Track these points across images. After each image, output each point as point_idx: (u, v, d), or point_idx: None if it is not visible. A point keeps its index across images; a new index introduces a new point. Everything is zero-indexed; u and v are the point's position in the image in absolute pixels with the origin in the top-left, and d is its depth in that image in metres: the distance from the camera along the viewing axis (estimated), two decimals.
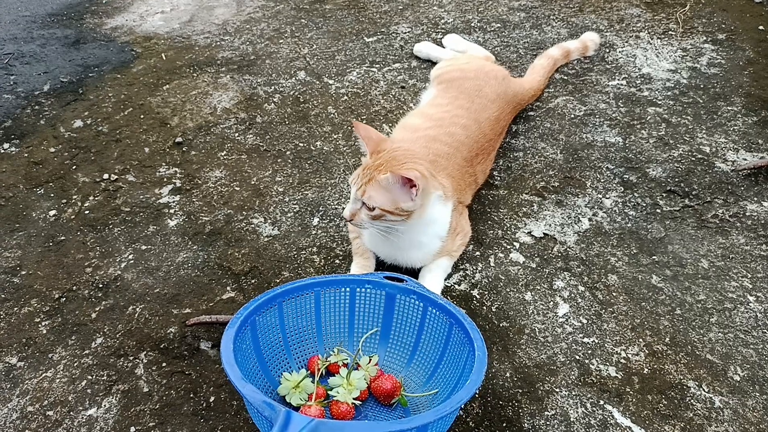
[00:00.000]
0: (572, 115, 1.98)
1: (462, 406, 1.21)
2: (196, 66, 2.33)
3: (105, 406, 1.23)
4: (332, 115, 2.04)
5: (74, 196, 1.75)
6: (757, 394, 1.22)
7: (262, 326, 1.17)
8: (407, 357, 1.26)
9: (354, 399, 1.13)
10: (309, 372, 1.20)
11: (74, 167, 1.86)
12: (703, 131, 1.88)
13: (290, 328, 1.23)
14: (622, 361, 1.29)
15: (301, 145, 1.92)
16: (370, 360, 1.22)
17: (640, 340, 1.33)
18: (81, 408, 1.23)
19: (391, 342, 1.28)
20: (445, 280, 1.47)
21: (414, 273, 1.45)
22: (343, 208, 1.64)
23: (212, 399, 1.24)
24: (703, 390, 1.23)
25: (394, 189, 1.26)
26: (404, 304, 1.26)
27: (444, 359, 1.20)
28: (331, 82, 2.20)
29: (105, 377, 1.28)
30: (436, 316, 1.22)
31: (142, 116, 2.07)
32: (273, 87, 2.19)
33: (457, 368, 1.15)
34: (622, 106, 2.00)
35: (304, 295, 1.24)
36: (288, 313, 1.22)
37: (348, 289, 1.27)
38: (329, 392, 1.15)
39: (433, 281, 1.42)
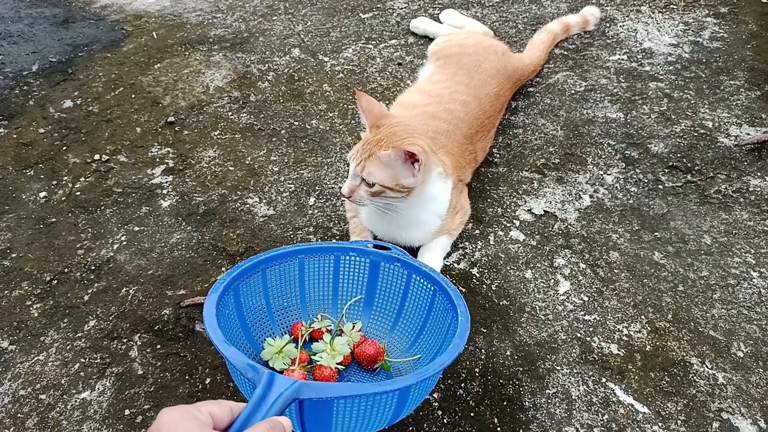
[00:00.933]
0: (572, 91, 1.94)
1: (464, 383, 1.20)
2: (187, 44, 2.27)
3: (99, 389, 1.21)
4: (328, 93, 2.00)
5: (65, 178, 1.72)
6: (761, 370, 1.20)
7: (245, 292, 1.16)
8: (391, 323, 1.26)
9: (337, 364, 1.13)
10: (292, 338, 1.20)
11: (64, 148, 1.82)
12: (706, 106, 1.85)
13: (274, 294, 1.22)
14: (624, 338, 1.27)
15: (296, 123, 1.88)
16: (354, 326, 1.22)
17: (642, 317, 1.31)
18: (74, 391, 1.20)
19: (375, 309, 1.28)
20: (445, 258, 1.45)
21: (413, 252, 1.43)
22: (341, 186, 1.61)
23: (208, 381, 1.22)
24: (706, 367, 1.22)
25: (396, 165, 1.23)
26: (388, 271, 1.25)
27: (427, 326, 1.20)
28: (326, 59, 2.15)
29: (98, 360, 1.26)
30: (420, 283, 1.21)
31: (133, 96, 2.03)
32: (267, 65, 2.14)
33: (440, 334, 1.14)
34: (623, 81, 1.96)
35: (288, 262, 1.22)
36: (271, 279, 1.21)
37: (332, 256, 1.26)
38: (312, 357, 1.16)
39: (432, 260, 1.39)
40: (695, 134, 1.75)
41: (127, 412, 1.17)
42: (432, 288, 1.18)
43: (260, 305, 1.20)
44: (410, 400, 0.96)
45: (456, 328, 1.04)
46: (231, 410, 0.70)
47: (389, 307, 1.26)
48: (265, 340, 1.18)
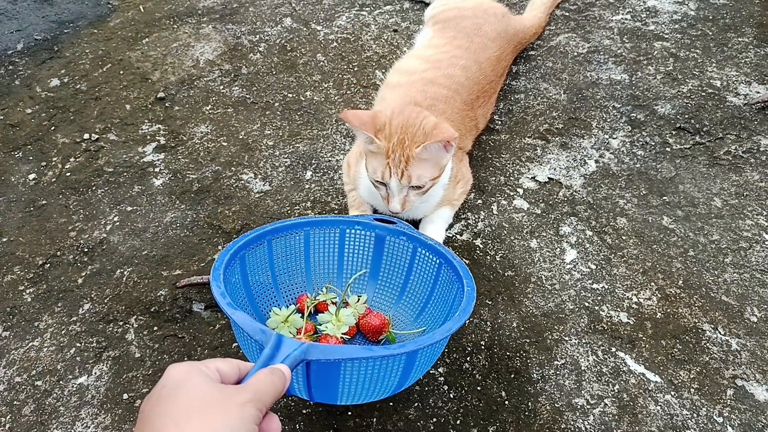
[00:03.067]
0: (575, 53, 1.87)
1: (469, 356, 1.16)
2: (176, 17, 2.20)
3: (96, 373, 1.18)
4: (322, 63, 1.93)
5: (54, 158, 1.67)
6: None
7: (251, 262, 1.15)
8: (396, 296, 1.24)
9: (342, 334, 1.12)
10: (297, 307, 1.19)
11: (53, 128, 1.77)
12: (713, 64, 1.78)
13: (279, 266, 1.21)
14: (634, 306, 1.24)
15: (290, 95, 1.82)
16: (359, 299, 1.21)
17: (652, 283, 1.28)
18: (71, 376, 1.17)
19: (380, 282, 1.26)
20: (447, 230, 1.40)
21: (414, 224, 1.38)
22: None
23: None
24: (719, 333, 1.18)
25: (433, 153, 1.19)
26: (394, 245, 1.24)
27: (432, 298, 1.18)
28: (319, 28, 2.08)
29: (94, 344, 1.23)
30: (425, 256, 1.20)
31: (121, 72, 1.96)
32: (258, 36, 2.07)
33: (445, 306, 1.13)
34: (627, 41, 1.89)
35: (294, 234, 1.21)
36: (277, 251, 1.20)
37: (338, 229, 1.24)
38: (318, 327, 1.15)
39: (434, 232, 1.35)
40: (703, 94, 1.69)
41: (125, 396, 1.14)
42: (437, 261, 1.16)
43: (266, 276, 1.19)
44: (416, 366, 0.94)
45: (461, 299, 1.01)
46: (239, 368, 0.69)
47: (394, 280, 1.25)
48: (270, 309, 1.17)
